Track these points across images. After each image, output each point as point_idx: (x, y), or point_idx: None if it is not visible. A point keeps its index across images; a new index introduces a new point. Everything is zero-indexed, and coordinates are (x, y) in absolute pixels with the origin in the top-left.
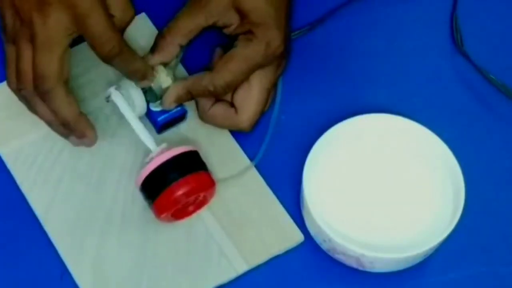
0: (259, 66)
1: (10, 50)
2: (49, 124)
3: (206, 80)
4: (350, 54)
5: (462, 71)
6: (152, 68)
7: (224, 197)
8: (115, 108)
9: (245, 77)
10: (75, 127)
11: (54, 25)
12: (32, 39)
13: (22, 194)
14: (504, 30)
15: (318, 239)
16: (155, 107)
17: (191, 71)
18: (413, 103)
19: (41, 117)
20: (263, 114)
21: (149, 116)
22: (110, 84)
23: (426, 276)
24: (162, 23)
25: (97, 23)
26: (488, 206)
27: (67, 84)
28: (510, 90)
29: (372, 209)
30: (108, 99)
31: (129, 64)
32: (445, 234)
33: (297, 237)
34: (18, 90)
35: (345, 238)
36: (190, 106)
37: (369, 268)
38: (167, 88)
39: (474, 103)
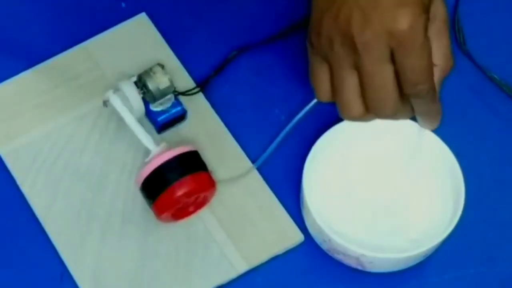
0: None
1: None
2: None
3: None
4: None
5: (464, 70)
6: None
7: (224, 197)
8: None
9: None
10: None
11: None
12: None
13: (22, 194)
14: (506, 29)
15: (318, 239)
16: (155, 107)
17: (191, 71)
18: None
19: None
20: None
21: (149, 116)
22: (109, 86)
23: (426, 276)
24: (162, 23)
25: (420, 61)
26: (488, 206)
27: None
28: None
29: (372, 209)
30: (106, 103)
31: (424, 106)
32: (445, 234)
33: (297, 237)
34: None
35: (345, 238)
36: (190, 106)
37: (369, 268)
38: (165, 89)
39: (476, 103)
